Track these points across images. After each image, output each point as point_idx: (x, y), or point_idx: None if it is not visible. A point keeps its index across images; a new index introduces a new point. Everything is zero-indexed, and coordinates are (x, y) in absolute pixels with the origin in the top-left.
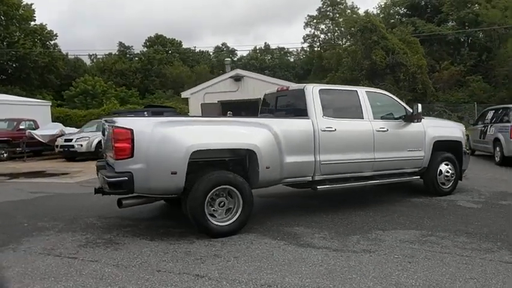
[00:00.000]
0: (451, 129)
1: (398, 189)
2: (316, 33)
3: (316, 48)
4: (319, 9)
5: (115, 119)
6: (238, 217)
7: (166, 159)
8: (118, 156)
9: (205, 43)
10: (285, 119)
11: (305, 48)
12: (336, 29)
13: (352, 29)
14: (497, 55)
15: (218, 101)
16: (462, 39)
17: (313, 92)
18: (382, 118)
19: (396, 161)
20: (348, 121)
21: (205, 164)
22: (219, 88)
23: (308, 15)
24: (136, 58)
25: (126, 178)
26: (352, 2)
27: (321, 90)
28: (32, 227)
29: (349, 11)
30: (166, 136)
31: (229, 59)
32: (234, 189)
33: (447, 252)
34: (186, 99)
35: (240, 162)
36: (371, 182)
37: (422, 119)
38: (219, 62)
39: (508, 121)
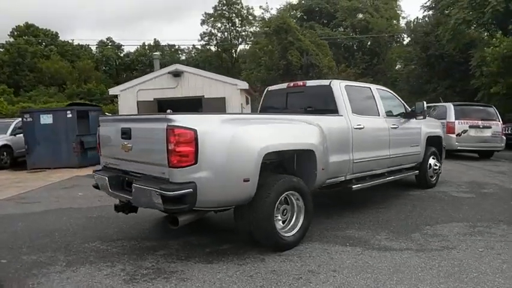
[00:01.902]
0: (435, 125)
1: (389, 185)
2: (213, 31)
3: (213, 47)
4: (215, 8)
5: (171, 116)
6: (301, 226)
7: (237, 165)
8: (179, 164)
9: (85, 36)
10: (323, 116)
11: (197, 46)
12: (232, 28)
13: (267, 28)
14: (384, 60)
15: (154, 99)
16: (355, 44)
17: (340, 87)
18: (389, 115)
19: (403, 157)
20: (371, 118)
21: (262, 167)
22: (156, 84)
23: (205, 13)
24: (2, 49)
25: (191, 190)
26: (248, 4)
27: (346, 86)
28: (24, 264)
29: (245, 11)
30: (236, 137)
31: (158, 53)
32: (298, 195)
33: (507, 240)
34: (113, 97)
35: (290, 164)
36: (385, 180)
37: None
38: (104, 57)
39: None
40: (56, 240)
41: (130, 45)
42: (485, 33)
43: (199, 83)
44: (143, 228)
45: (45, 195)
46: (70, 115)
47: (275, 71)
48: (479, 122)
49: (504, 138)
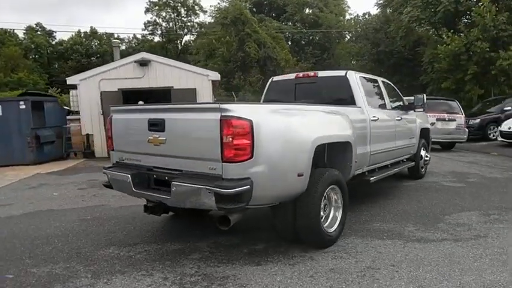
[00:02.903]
0: (425, 118)
1: None
2: (158, 20)
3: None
4: None
5: (226, 105)
6: (340, 221)
7: (292, 158)
8: (235, 158)
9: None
10: (347, 107)
11: (137, 36)
12: (178, 18)
13: (224, 19)
14: (334, 55)
15: (119, 89)
16: (305, 39)
17: (356, 78)
18: (393, 107)
19: (404, 149)
20: (381, 110)
21: None
22: (120, 74)
23: (149, 1)
24: None
25: (249, 187)
26: None
27: (360, 77)
28: (38, 278)
29: (191, 1)
30: (290, 128)
31: (118, 40)
32: (338, 189)
33: None
34: (71, 87)
35: (321, 157)
36: (391, 171)
37: None
38: (34, 44)
39: None
40: (61, 248)
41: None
42: (432, 32)
43: (168, 73)
44: (154, 230)
45: (12, 196)
46: (23, 106)
47: (233, 62)
48: (445, 115)
49: (467, 130)
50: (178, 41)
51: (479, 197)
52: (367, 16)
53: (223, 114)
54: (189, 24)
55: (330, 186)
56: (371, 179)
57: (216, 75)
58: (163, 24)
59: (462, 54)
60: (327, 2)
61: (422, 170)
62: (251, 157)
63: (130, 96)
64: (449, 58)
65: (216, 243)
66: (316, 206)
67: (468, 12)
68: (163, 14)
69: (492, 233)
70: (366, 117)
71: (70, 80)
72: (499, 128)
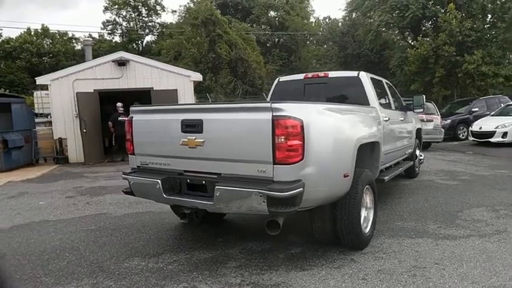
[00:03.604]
0: (418, 118)
1: None
2: (118, 20)
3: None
4: None
5: (278, 104)
6: (372, 221)
7: (339, 159)
8: (287, 160)
9: None
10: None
11: (93, 35)
12: (138, 18)
13: (195, 20)
14: (300, 58)
15: (95, 90)
16: (271, 41)
17: (368, 79)
18: (396, 108)
19: (405, 148)
20: (389, 111)
21: None
22: (96, 74)
23: None
24: None
25: (302, 189)
26: None
27: (371, 78)
28: None
29: (152, 1)
30: (336, 128)
31: (90, 38)
32: (370, 189)
33: None
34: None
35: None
36: (398, 171)
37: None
38: None
39: None
40: (77, 262)
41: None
42: (399, 36)
43: (147, 73)
44: (172, 238)
45: None
46: None
47: (204, 63)
48: (424, 116)
49: (443, 130)
50: (140, 41)
51: (479, 194)
52: (327, 20)
53: (275, 114)
54: (150, 24)
55: (366, 187)
56: (385, 178)
57: (197, 76)
58: (124, 23)
59: (430, 57)
60: (292, 5)
61: (417, 169)
62: (302, 158)
63: (107, 98)
64: (418, 61)
65: (247, 250)
66: (357, 206)
67: (434, 18)
68: (124, 13)
69: (509, 228)
70: (379, 117)
71: (40, 80)
72: (470, 129)
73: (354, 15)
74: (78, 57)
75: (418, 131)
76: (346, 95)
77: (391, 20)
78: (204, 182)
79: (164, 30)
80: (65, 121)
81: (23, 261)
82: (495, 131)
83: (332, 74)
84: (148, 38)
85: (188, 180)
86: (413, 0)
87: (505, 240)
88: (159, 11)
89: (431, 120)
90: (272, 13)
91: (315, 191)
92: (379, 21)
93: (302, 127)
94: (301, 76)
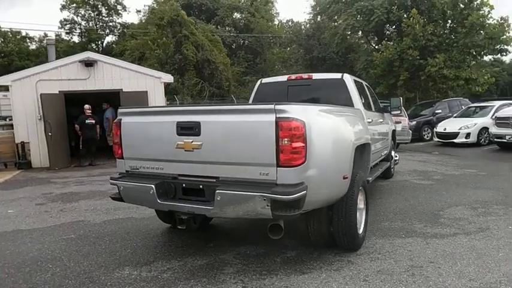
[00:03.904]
0: (392, 120)
1: None
2: (76, 19)
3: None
4: None
5: (281, 106)
6: (365, 222)
7: (338, 161)
8: (291, 162)
9: None
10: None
11: (49, 34)
12: (98, 17)
13: (161, 20)
14: (266, 60)
15: (60, 91)
16: (235, 43)
17: (351, 81)
18: (375, 109)
19: (384, 149)
20: (371, 112)
21: None
22: (62, 74)
23: None
24: None
25: (305, 192)
26: None
27: (354, 80)
28: None
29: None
30: (335, 129)
31: (52, 37)
32: (363, 191)
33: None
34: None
35: None
36: (378, 172)
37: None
38: None
39: None
40: (63, 274)
41: None
42: (364, 40)
43: (116, 74)
44: (160, 245)
45: None
46: None
47: (170, 65)
48: (393, 118)
49: (410, 132)
50: (100, 42)
51: (455, 193)
52: (290, 23)
53: (278, 115)
54: (111, 24)
55: (359, 188)
56: (369, 179)
57: (168, 78)
58: (83, 23)
59: (395, 61)
60: (257, 7)
61: (392, 170)
62: (305, 160)
63: (73, 100)
64: (383, 65)
65: (242, 254)
66: (354, 208)
67: (398, 23)
68: (82, 12)
69: (491, 225)
70: (365, 118)
71: (1, 81)
72: (435, 130)
73: (318, 19)
74: (34, 57)
75: (393, 132)
76: (331, 96)
77: (357, 23)
78: (201, 186)
79: (126, 30)
80: (27, 124)
81: (2, 275)
82: (459, 132)
83: (316, 75)
84: (109, 39)
85: (184, 185)
86: (378, 5)
87: (490, 237)
88: (120, 11)
89: (399, 122)
90: (237, 15)
91: (316, 194)
92: (345, 24)
93: (304, 129)
94: (284, 78)
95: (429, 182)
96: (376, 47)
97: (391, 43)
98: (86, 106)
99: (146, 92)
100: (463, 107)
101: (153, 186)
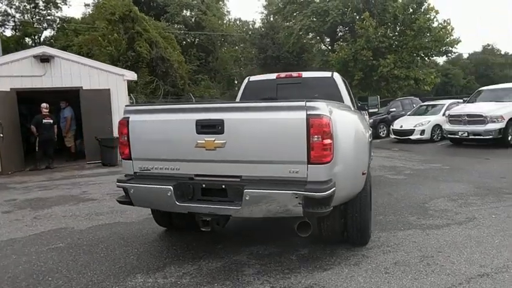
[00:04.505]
0: (367, 118)
1: None
2: (9, 11)
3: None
4: None
5: (312, 103)
6: (371, 218)
7: (358, 156)
8: (322, 159)
9: None
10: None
11: None
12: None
13: (112, 15)
14: (218, 59)
15: (12, 89)
16: (185, 41)
17: (341, 79)
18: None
19: None
20: (355, 110)
21: None
22: (13, 70)
23: None
24: None
25: (335, 189)
26: None
27: (342, 79)
28: None
29: None
30: (355, 125)
31: None
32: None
33: (495, 207)
34: None
35: None
36: None
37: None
38: None
39: None
40: (69, 285)
41: None
42: (313, 40)
43: (75, 71)
44: (164, 248)
45: None
46: None
47: (122, 62)
48: None
49: (371, 129)
50: (37, 36)
51: (429, 187)
52: (238, 22)
53: (309, 112)
54: (49, 18)
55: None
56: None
57: (132, 75)
58: (17, 15)
59: (350, 61)
60: (208, 5)
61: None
62: (333, 157)
63: (27, 98)
64: (339, 65)
65: (255, 255)
66: (368, 203)
67: (351, 24)
68: (17, 3)
69: (476, 215)
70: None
71: None
72: (391, 127)
73: (271, 18)
74: None
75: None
76: (321, 95)
77: (313, 24)
78: (223, 186)
79: (66, 25)
80: None
81: None
82: (414, 129)
83: (306, 74)
84: (47, 33)
85: (203, 185)
86: (333, 7)
87: (480, 226)
88: (59, 4)
89: None
90: (188, 12)
91: (340, 190)
92: (301, 25)
93: (331, 125)
94: (273, 76)
95: (402, 176)
96: (329, 47)
97: (346, 44)
98: (43, 105)
99: (109, 90)
100: (414, 105)
101: (171, 187)
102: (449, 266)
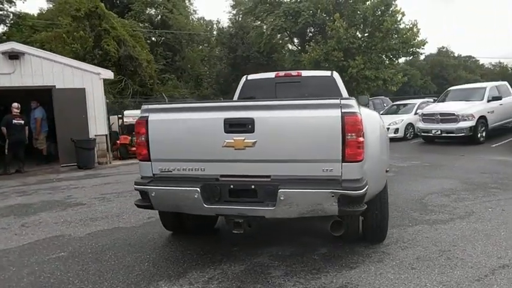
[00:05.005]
0: None
1: None
2: None
3: None
4: None
5: (346, 101)
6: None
7: (382, 154)
8: (356, 157)
9: None
10: None
11: None
12: None
13: (77, 11)
14: (185, 58)
15: None
16: (152, 40)
17: (339, 78)
18: None
19: None
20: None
21: None
22: None
23: None
24: None
25: (368, 186)
26: None
27: (340, 77)
28: None
29: None
30: (379, 123)
31: None
32: None
33: (487, 200)
34: None
35: None
36: None
37: None
38: None
39: None
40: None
41: None
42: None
43: (47, 69)
44: (179, 253)
45: None
46: None
47: (88, 61)
48: None
49: None
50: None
51: (419, 183)
52: (201, 21)
53: (344, 110)
54: (1, 13)
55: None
56: None
57: (108, 74)
58: None
59: (322, 62)
60: (175, 3)
61: None
62: (364, 155)
63: None
64: (311, 65)
65: (276, 256)
66: (387, 200)
67: (322, 25)
68: None
69: (474, 209)
70: None
71: None
72: None
73: (239, 18)
74: None
75: None
76: (322, 94)
77: (285, 24)
78: (253, 187)
79: (19, 21)
80: None
81: None
82: (389, 128)
83: (305, 73)
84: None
85: (231, 186)
86: (305, 7)
87: (482, 220)
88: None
89: None
90: (153, 10)
91: (369, 188)
92: (273, 25)
93: (362, 123)
94: (272, 75)
95: (390, 174)
96: (299, 47)
97: (318, 45)
98: (14, 105)
99: (84, 89)
100: (385, 105)
101: (198, 189)
102: (469, 259)
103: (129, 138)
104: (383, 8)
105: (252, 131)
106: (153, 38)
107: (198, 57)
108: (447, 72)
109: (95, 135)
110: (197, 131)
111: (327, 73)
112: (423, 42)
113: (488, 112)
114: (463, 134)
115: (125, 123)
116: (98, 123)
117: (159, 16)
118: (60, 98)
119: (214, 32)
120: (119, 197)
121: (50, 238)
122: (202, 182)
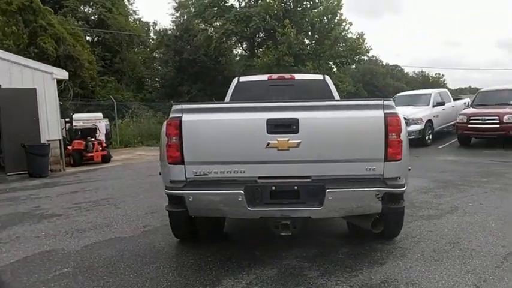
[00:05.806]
0: None
1: None
2: None
3: None
4: None
5: (388, 101)
6: None
7: (407, 153)
8: (397, 156)
9: None
10: None
11: None
12: None
13: (8, 5)
14: (125, 60)
15: None
16: (92, 39)
17: (331, 82)
18: None
19: None
20: None
21: None
22: None
23: None
24: None
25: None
26: None
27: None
28: None
29: None
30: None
31: None
32: None
33: (463, 196)
34: None
35: None
36: None
37: None
38: None
39: None
40: None
41: None
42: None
43: (4, 70)
44: (197, 260)
45: None
46: None
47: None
48: None
49: None
50: None
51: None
52: (138, 22)
53: (386, 111)
54: None
55: None
56: None
57: (63, 74)
58: None
59: (273, 67)
60: (113, 2)
61: None
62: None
63: None
64: (263, 70)
65: (302, 258)
66: (403, 197)
67: (272, 31)
68: None
69: (456, 204)
70: None
71: None
72: None
73: (181, 20)
74: None
75: None
76: (314, 97)
77: (236, 29)
78: (296, 188)
79: None
80: None
81: None
82: None
83: (298, 76)
84: None
85: (273, 187)
86: (255, 13)
87: (468, 213)
88: None
89: None
90: (90, 8)
91: None
92: (224, 29)
93: (401, 123)
94: (264, 77)
95: None
96: (248, 52)
97: (269, 50)
98: None
99: (35, 89)
100: None
101: (242, 192)
102: (479, 249)
103: (84, 143)
104: (329, 16)
105: (296, 131)
106: (87, 38)
107: (139, 60)
108: (377, 80)
109: (47, 140)
110: (237, 132)
111: (320, 77)
112: (367, 50)
113: (434, 116)
114: (413, 137)
115: (74, 127)
116: (50, 127)
117: (96, 15)
118: (7, 99)
119: (151, 34)
120: (97, 205)
121: (40, 254)
122: (243, 184)
